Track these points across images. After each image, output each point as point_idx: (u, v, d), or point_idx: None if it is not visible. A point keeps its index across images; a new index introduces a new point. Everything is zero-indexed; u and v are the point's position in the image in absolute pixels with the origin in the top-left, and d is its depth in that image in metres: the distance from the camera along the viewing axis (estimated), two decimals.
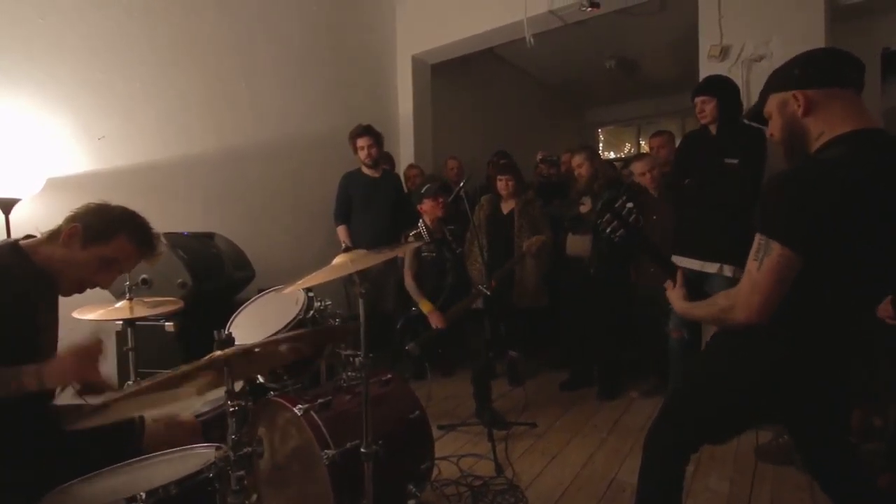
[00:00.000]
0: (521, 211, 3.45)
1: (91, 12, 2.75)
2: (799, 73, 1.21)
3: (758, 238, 1.14)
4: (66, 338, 1.62)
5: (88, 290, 1.42)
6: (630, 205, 1.39)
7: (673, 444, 1.37)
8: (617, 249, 3.11)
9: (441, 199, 3.04)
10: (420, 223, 3.11)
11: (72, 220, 1.34)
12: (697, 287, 2.89)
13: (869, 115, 1.17)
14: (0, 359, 1.15)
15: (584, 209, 3.30)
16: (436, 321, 2.87)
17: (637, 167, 3.22)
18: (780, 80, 1.25)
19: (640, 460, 1.41)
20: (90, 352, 1.24)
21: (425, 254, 3.09)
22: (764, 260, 1.11)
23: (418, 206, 3.10)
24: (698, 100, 2.65)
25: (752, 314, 1.12)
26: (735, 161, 2.54)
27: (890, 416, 2.29)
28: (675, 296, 1.39)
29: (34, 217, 2.33)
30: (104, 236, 1.35)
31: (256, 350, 1.10)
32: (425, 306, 2.92)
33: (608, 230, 1.40)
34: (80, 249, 1.32)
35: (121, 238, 1.37)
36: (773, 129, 1.28)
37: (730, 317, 1.17)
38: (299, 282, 1.50)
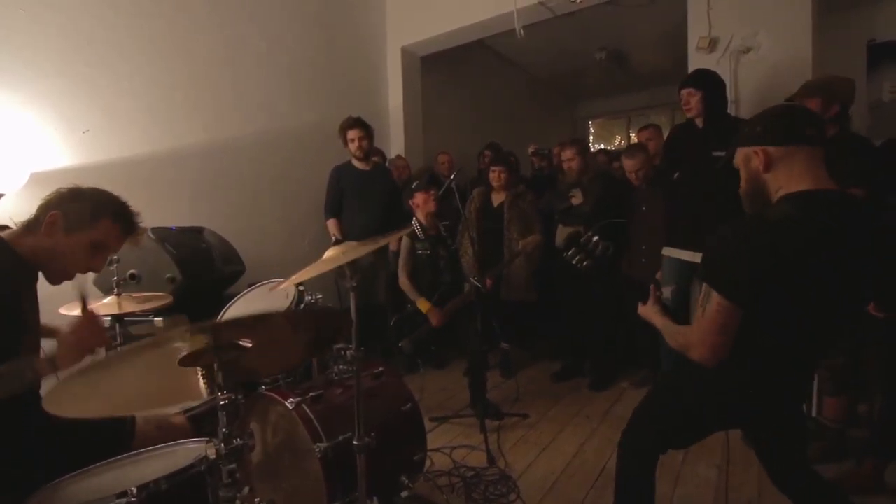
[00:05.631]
0: (511, 204, 3.45)
1: (74, 3, 2.70)
2: (761, 130, 1.26)
3: (704, 286, 1.21)
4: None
5: (75, 282, 1.40)
6: (595, 238, 1.44)
7: (642, 447, 1.46)
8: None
9: (432, 192, 3.04)
10: (414, 221, 3.09)
11: (47, 207, 1.31)
12: (688, 277, 2.91)
13: (825, 174, 1.22)
14: None
15: (574, 201, 3.30)
16: (435, 319, 2.87)
17: (628, 165, 3.22)
18: (745, 135, 1.31)
19: (616, 456, 1.50)
20: (88, 319, 1.24)
21: (420, 251, 3.08)
22: (707, 308, 1.19)
23: (410, 202, 3.09)
24: (684, 92, 2.66)
25: (705, 357, 1.20)
26: (722, 153, 2.55)
27: (874, 404, 2.33)
28: (650, 312, 1.44)
29: (19, 212, 2.27)
30: (87, 222, 1.32)
31: (249, 345, 1.08)
32: (423, 305, 2.92)
33: (574, 262, 1.46)
34: (64, 237, 1.30)
35: (105, 222, 1.35)
36: (742, 182, 1.34)
37: (688, 354, 1.25)
38: (293, 277, 1.48)
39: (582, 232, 1.44)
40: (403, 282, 3.04)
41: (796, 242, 1.13)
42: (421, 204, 3.04)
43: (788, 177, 1.21)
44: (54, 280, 1.36)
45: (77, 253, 1.33)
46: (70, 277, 1.38)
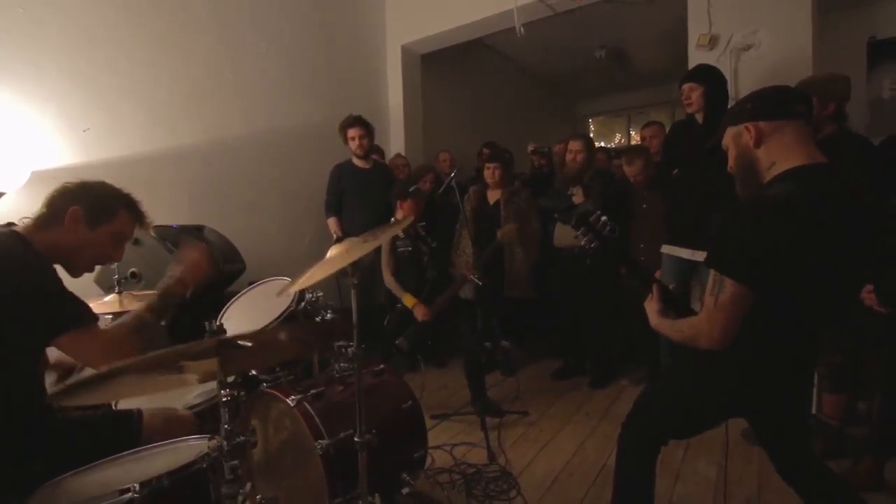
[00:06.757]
0: (507, 201, 3.45)
1: (74, 2, 2.69)
2: (751, 107, 1.27)
3: (713, 274, 1.20)
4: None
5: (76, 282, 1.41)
6: (604, 218, 1.43)
7: (641, 445, 1.46)
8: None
9: (421, 204, 3.05)
10: (392, 221, 3.06)
11: (61, 203, 1.32)
12: (688, 275, 2.90)
13: (815, 148, 1.23)
14: (26, 345, 1.21)
15: (576, 200, 3.30)
16: (420, 314, 2.87)
17: (628, 172, 3.22)
18: (734, 113, 1.32)
19: (615, 453, 1.50)
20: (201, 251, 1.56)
21: (401, 249, 3.07)
22: (719, 296, 1.18)
23: (399, 203, 3.04)
24: (685, 87, 2.65)
25: (714, 344, 1.20)
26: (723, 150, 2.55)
27: (874, 402, 2.33)
28: (651, 309, 1.43)
29: (19, 210, 2.29)
30: (107, 214, 1.37)
31: (250, 344, 1.09)
32: (408, 300, 2.92)
33: (583, 242, 1.46)
34: (88, 231, 1.33)
35: (122, 213, 1.40)
36: (731, 161, 1.34)
37: (694, 345, 1.25)
38: (300, 280, 1.46)
39: (591, 210, 1.43)
40: (388, 279, 3.04)
41: (803, 219, 1.13)
42: (408, 210, 2.99)
43: (780, 151, 1.22)
44: (76, 273, 1.38)
45: (103, 245, 1.38)
46: (92, 269, 1.42)
